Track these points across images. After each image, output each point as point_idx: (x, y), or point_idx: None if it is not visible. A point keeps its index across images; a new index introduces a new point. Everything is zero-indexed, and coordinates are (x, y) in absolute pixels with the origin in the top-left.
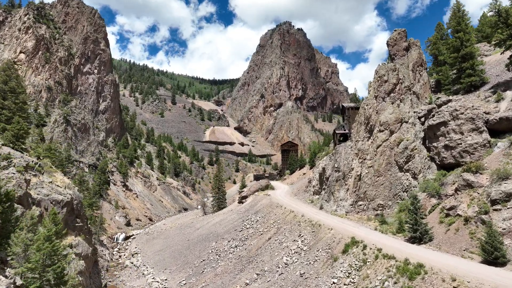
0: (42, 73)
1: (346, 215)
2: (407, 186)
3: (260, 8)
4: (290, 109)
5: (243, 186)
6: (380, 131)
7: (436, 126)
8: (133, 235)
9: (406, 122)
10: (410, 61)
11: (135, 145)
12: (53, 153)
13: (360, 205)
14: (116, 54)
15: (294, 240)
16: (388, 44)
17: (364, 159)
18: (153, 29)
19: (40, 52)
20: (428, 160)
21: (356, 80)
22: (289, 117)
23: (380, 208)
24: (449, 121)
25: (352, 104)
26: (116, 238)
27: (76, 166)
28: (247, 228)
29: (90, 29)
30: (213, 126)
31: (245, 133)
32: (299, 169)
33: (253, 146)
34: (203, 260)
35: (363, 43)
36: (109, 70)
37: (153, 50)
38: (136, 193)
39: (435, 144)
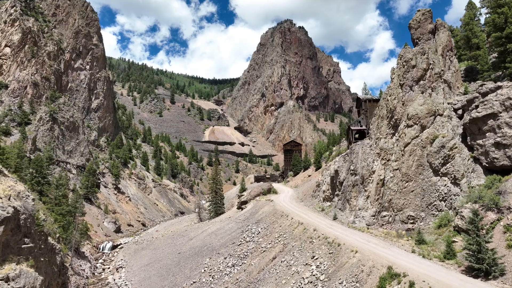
0: (28, 67)
1: (367, 228)
2: (445, 194)
3: (260, 8)
4: (292, 108)
5: (243, 189)
6: (408, 126)
7: (482, 119)
8: (120, 244)
9: (441, 115)
10: (439, 45)
11: (130, 145)
12: (12, 153)
13: (385, 216)
14: (117, 53)
15: (307, 264)
16: (410, 27)
17: (388, 160)
18: (153, 29)
19: (26, 46)
20: (471, 161)
21: (357, 80)
22: (291, 117)
23: (411, 221)
24: (500, 112)
25: (369, 96)
26: (102, 247)
27: (62, 167)
28: (246, 242)
29: (82, 23)
30: (213, 126)
31: (245, 133)
32: (304, 171)
33: (253, 146)
34: (194, 282)
35: (365, 43)
36: (102, 66)
37: (153, 50)
38: (129, 196)
39: (480, 141)
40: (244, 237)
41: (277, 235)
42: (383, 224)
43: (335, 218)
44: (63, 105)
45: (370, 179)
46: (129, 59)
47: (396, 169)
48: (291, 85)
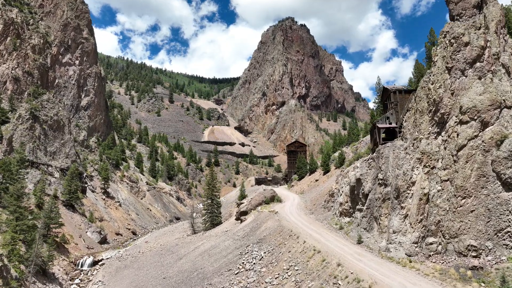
0: (9, 61)
1: (410, 261)
2: None
3: (261, 7)
4: (293, 108)
5: (243, 196)
6: (462, 122)
7: None
8: (102, 259)
9: (509, 107)
10: (490, 20)
11: (123, 145)
12: None
13: (431, 243)
14: (117, 53)
15: None
16: (448, 2)
17: (433, 168)
18: (154, 28)
19: (8, 38)
20: None
21: (359, 79)
22: (293, 116)
23: (473, 253)
24: None
25: (399, 86)
26: (81, 263)
27: (42, 170)
28: (246, 270)
29: (71, 15)
30: (212, 126)
31: (246, 133)
32: (310, 174)
33: (254, 146)
34: None
35: (367, 42)
36: (93, 61)
37: (154, 49)
38: (119, 201)
39: None
40: (243, 262)
41: (286, 265)
42: (430, 255)
43: (360, 242)
44: (46, 102)
45: (409, 193)
46: (127, 58)
47: (446, 180)
48: (293, 84)
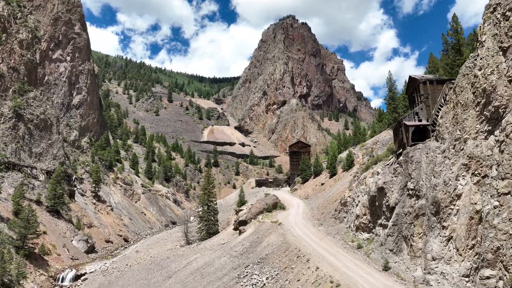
0: None
1: None
2: None
3: (261, 6)
4: (295, 107)
5: (242, 202)
6: None
7: None
8: (85, 273)
9: None
10: None
11: (117, 145)
12: None
13: (488, 277)
14: (118, 52)
15: None
16: None
17: (484, 177)
18: (155, 27)
19: None
20: None
21: (360, 79)
22: (294, 116)
23: None
24: None
25: (431, 76)
26: (62, 278)
27: (25, 173)
28: None
29: (62, 9)
30: (212, 126)
31: (246, 132)
32: (314, 177)
33: (254, 146)
34: None
35: (368, 42)
36: (85, 57)
37: (155, 49)
38: (110, 206)
39: None
40: None
41: None
42: None
43: (386, 268)
44: (33, 100)
45: (452, 208)
46: (126, 57)
47: (506, 194)
48: (294, 82)
